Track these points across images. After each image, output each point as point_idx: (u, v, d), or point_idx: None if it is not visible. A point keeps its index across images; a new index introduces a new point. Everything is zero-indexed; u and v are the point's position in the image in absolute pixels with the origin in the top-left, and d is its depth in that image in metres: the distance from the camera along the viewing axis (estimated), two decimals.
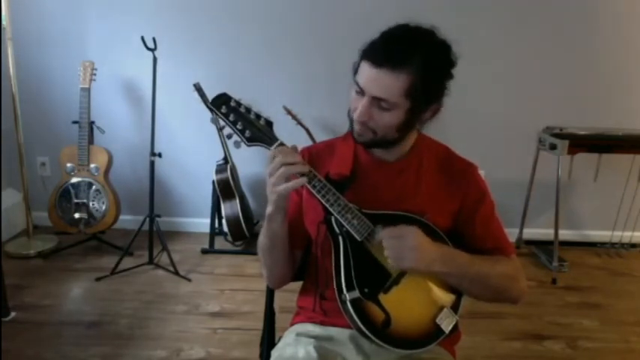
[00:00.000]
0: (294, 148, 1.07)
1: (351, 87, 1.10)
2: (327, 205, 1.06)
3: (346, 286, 1.07)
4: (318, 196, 1.06)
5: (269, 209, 1.09)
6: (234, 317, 2.39)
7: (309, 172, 1.05)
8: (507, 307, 2.38)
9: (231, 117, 1.04)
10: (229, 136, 1.06)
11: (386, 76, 1.02)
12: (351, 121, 1.12)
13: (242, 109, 1.05)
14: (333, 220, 1.09)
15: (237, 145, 1.06)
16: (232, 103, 1.04)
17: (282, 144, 1.05)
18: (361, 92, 1.06)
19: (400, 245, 1.03)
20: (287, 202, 1.10)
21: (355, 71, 1.08)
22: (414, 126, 1.14)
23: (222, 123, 1.06)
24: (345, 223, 1.07)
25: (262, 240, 1.17)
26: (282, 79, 3.07)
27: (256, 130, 1.05)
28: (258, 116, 1.06)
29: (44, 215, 2.94)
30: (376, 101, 1.05)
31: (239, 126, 1.04)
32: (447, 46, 1.07)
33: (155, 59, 2.74)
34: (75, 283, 2.65)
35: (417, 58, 1.02)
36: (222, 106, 1.04)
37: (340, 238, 1.10)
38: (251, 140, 1.05)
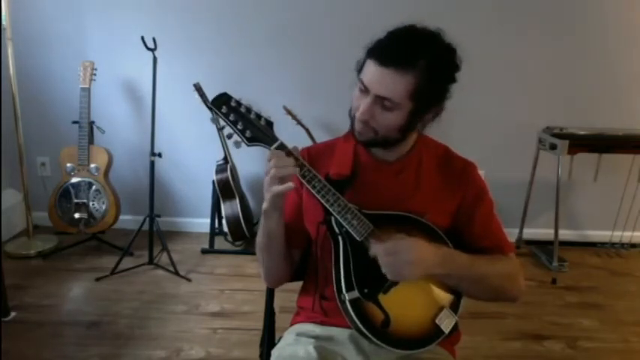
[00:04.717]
0: (295, 149, 1.07)
1: (354, 85, 1.10)
2: (327, 206, 1.06)
3: (346, 287, 1.07)
4: (318, 197, 1.06)
5: (265, 206, 1.09)
6: (234, 317, 2.39)
7: (311, 177, 1.05)
8: (507, 307, 2.41)
9: (232, 117, 1.04)
10: (229, 136, 1.06)
11: (391, 75, 1.02)
12: (352, 119, 1.12)
13: (242, 109, 1.05)
14: (333, 220, 1.09)
15: (237, 145, 1.06)
16: (233, 103, 1.04)
17: (282, 144, 1.05)
18: (365, 90, 1.06)
19: (396, 261, 1.02)
20: (283, 202, 1.10)
21: (359, 69, 1.08)
22: (415, 127, 1.14)
23: (222, 123, 1.06)
24: (344, 224, 1.07)
25: (259, 238, 1.18)
26: (282, 79, 3.07)
27: (257, 130, 1.05)
28: (258, 116, 1.06)
29: (44, 215, 2.94)
30: (380, 100, 1.05)
31: (239, 126, 1.04)
32: (453, 50, 1.07)
33: (155, 59, 2.74)
34: (75, 283, 2.65)
35: (424, 60, 1.02)
36: (223, 105, 1.04)
37: (340, 239, 1.10)
38: (251, 140, 1.05)
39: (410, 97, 1.04)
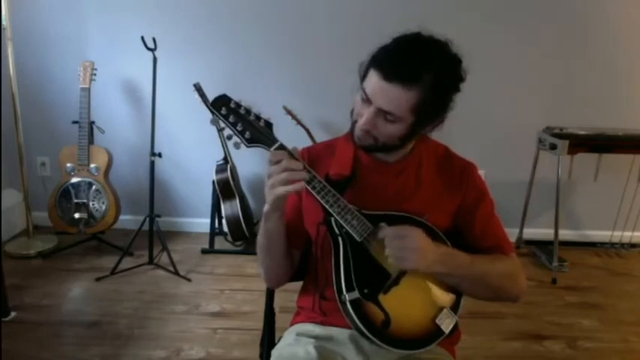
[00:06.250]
0: (295, 150, 1.07)
1: (356, 89, 1.10)
2: (327, 206, 1.06)
3: (346, 287, 1.07)
4: (318, 197, 1.06)
5: (266, 208, 1.09)
6: (234, 317, 2.39)
7: (310, 178, 1.05)
8: (507, 307, 2.42)
9: (231, 118, 1.04)
10: (229, 137, 1.07)
11: (395, 90, 1.01)
12: (353, 123, 1.12)
13: (242, 111, 1.05)
14: (332, 220, 1.09)
15: (237, 146, 1.06)
16: (232, 105, 1.04)
17: (281, 145, 1.05)
18: (367, 100, 1.06)
19: (402, 245, 1.03)
20: (284, 203, 1.11)
21: (363, 76, 1.08)
22: (417, 136, 1.14)
23: (222, 124, 1.06)
24: (344, 224, 1.07)
25: (260, 239, 1.18)
26: (282, 79, 3.07)
27: (256, 131, 1.05)
28: (258, 117, 1.06)
29: (44, 215, 2.94)
30: (382, 113, 1.05)
31: (239, 127, 1.04)
32: (459, 61, 1.06)
33: (155, 59, 2.74)
34: (75, 283, 2.65)
35: (429, 75, 1.01)
36: (223, 107, 1.04)
37: (340, 239, 1.10)
38: (251, 141, 1.05)
39: (413, 111, 1.04)
